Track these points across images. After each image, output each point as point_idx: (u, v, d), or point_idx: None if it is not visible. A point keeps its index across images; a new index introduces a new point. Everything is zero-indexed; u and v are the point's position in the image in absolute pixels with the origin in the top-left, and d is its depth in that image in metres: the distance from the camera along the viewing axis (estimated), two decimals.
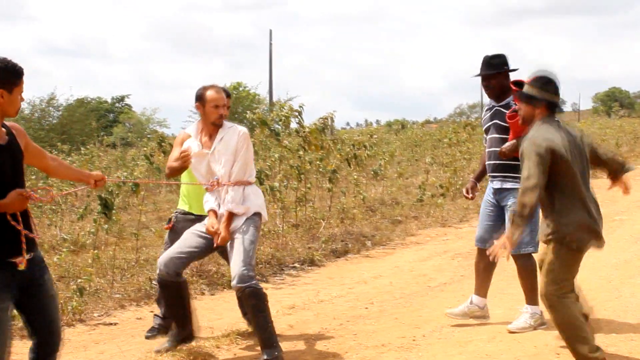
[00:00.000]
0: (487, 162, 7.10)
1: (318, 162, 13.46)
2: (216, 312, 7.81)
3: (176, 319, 6.30)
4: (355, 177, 15.27)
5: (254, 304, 5.90)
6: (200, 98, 6.12)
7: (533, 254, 6.80)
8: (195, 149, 6.13)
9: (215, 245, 6.09)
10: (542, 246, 6.10)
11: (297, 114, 11.24)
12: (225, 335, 6.77)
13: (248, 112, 12.10)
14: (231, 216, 6.02)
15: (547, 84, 5.61)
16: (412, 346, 6.46)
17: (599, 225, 5.54)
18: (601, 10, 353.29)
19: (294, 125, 11.58)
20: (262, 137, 16.25)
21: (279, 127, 11.95)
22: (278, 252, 10.41)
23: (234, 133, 6.10)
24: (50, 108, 40.16)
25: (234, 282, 5.89)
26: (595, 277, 8.72)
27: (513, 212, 5.50)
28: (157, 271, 6.13)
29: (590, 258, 9.65)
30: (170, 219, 7.00)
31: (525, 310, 6.84)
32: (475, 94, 75.77)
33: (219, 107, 6.09)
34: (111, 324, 7.44)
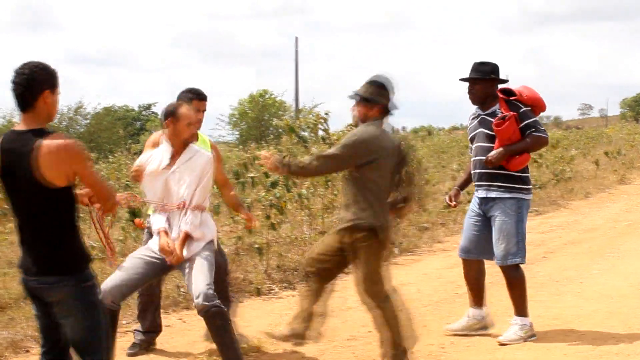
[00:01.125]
0: (472, 171, 6.98)
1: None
2: (244, 320, 7.80)
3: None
4: None
5: (220, 324, 5.64)
6: (172, 114, 5.83)
7: (521, 265, 6.77)
8: (155, 164, 5.88)
9: (168, 264, 5.77)
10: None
11: (323, 120, 11.24)
12: (253, 343, 6.78)
13: (274, 119, 12.09)
14: (186, 238, 5.73)
15: (383, 88, 5.84)
16: (441, 354, 6.45)
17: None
18: (629, 15, 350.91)
19: (321, 132, 11.56)
20: (289, 145, 16.25)
21: (307, 134, 11.95)
22: (305, 259, 10.38)
23: (201, 157, 5.87)
24: (78, 117, 40.56)
25: (198, 300, 5.56)
26: (626, 284, 8.66)
27: (291, 163, 5.80)
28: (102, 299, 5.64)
29: (621, 265, 9.63)
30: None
31: (515, 322, 6.75)
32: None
33: (192, 125, 5.89)
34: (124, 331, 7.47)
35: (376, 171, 5.76)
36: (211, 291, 5.63)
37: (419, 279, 9.59)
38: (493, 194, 6.72)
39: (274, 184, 10.31)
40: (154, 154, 5.97)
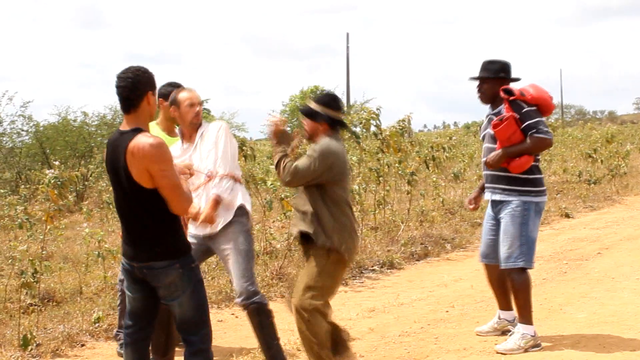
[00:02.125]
0: (482, 172, 6.81)
1: (397, 165, 13.41)
2: None
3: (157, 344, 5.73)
4: (435, 179, 15.18)
5: (259, 320, 5.67)
6: (173, 101, 5.87)
7: (528, 270, 6.48)
8: (177, 151, 5.86)
9: (207, 248, 5.81)
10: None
11: (375, 116, 11.21)
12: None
13: None
14: (217, 203, 5.65)
15: (331, 102, 5.72)
16: (494, 351, 6.39)
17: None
18: None
19: (373, 128, 11.53)
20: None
21: (359, 130, 11.93)
22: (357, 255, 10.39)
23: (213, 127, 5.88)
24: None
25: (239, 299, 5.62)
26: None
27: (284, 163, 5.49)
28: None
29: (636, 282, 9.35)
30: None
31: (517, 330, 6.46)
32: (554, 94, 74.31)
33: (194, 105, 5.83)
34: None
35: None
36: (251, 287, 5.66)
37: (472, 275, 9.51)
38: (497, 197, 6.54)
39: None
40: (173, 147, 5.82)
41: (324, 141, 5.54)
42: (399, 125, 11.86)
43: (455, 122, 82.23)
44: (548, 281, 8.96)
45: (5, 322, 7.45)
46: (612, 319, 7.16)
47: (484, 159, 6.62)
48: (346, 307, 8.11)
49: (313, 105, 5.70)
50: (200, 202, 5.70)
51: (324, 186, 5.46)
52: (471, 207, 7.02)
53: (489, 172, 6.58)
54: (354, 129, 11.96)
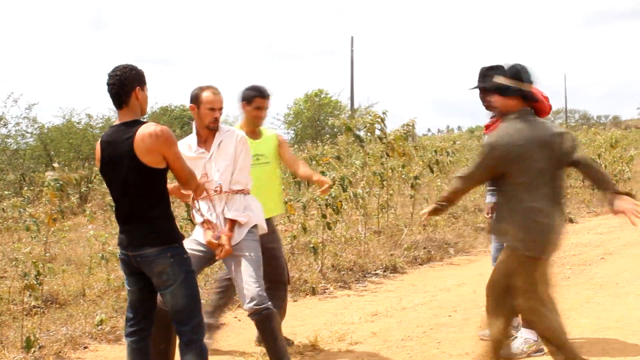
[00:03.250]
0: None
1: (400, 169, 13.40)
2: (299, 319, 7.84)
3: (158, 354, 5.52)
4: (439, 183, 15.17)
5: (272, 327, 5.60)
6: (195, 99, 5.75)
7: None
8: (186, 150, 5.68)
9: (211, 256, 5.70)
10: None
11: (380, 120, 11.20)
12: (308, 342, 6.79)
13: (330, 118, 12.13)
14: (233, 226, 5.64)
15: (521, 73, 5.38)
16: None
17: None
18: None
19: (377, 132, 11.52)
20: (345, 144, 16.28)
21: (363, 133, 11.93)
22: (360, 259, 10.40)
23: (231, 137, 5.75)
24: None
25: (250, 304, 5.50)
26: None
27: None
28: None
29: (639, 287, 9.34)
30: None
31: (521, 334, 6.45)
32: (559, 99, 74.28)
33: (215, 110, 5.70)
34: None
35: None
36: (263, 293, 5.59)
37: (475, 280, 9.50)
38: (494, 199, 6.41)
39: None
40: (184, 144, 5.78)
41: (497, 130, 5.29)
42: (404, 130, 11.85)
43: (459, 126, 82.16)
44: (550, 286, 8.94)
45: (9, 324, 7.45)
46: (616, 324, 7.15)
47: None
48: (349, 310, 8.11)
49: (501, 79, 5.38)
50: (202, 210, 5.60)
51: (500, 179, 5.24)
52: (489, 216, 6.92)
53: None
54: (358, 132, 11.95)
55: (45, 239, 8.25)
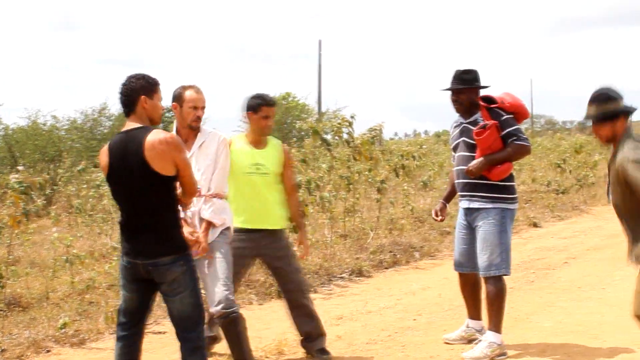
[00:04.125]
0: (455, 181, 6.77)
1: (366, 173, 13.43)
2: (264, 322, 7.84)
3: None
4: (405, 187, 15.22)
5: (238, 331, 5.63)
6: (177, 98, 5.74)
7: (504, 277, 6.50)
8: None
9: (194, 256, 5.46)
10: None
11: (347, 124, 11.22)
12: (273, 346, 6.79)
13: (297, 122, 12.16)
14: (209, 227, 5.65)
15: (615, 94, 5.14)
16: (461, 359, 6.42)
17: None
18: None
19: (345, 135, 11.54)
20: (311, 148, 16.28)
21: (330, 137, 11.95)
22: (326, 262, 10.41)
23: (213, 138, 5.76)
24: (102, 118, 40.63)
25: (218, 307, 5.51)
26: None
27: None
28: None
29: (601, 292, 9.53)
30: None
31: (485, 338, 6.47)
32: (525, 103, 74.74)
33: (197, 109, 5.70)
34: (160, 332, 7.50)
35: None
36: (231, 296, 5.60)
37: (440, 283, 9.56)
38: (476, 204, 6.52)
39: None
40: None
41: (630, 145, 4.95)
42: (370, 134, 11.89)
43: (426, 131, 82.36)
44: (515, 290, 9.01)
45: None
46: (578, 328, 7.22)
47: (461, 167, 6.60)
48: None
49: (602, 107, 5.09)
50: (186, 215, 5.58)
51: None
52: (439, 219, 6.98)
53: (466, 181, 6.56)
54: (325, 136, 11.97)
55: (8, 241, 8.19)
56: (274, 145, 6.46)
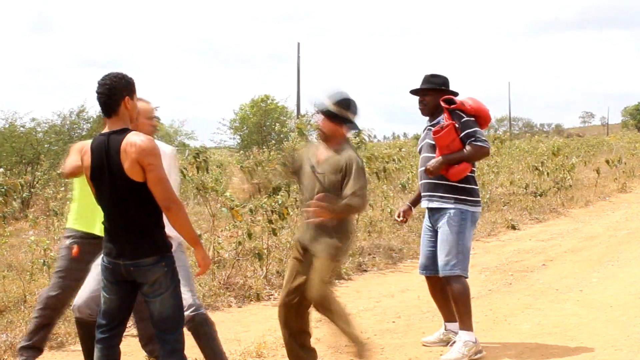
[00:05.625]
0: (419, 182, 6.86)
1: None
2: (243, 325, 7.83)
3: None
4: (384, 189, 15.24)
5: (207, 331, 5.68)
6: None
7: (465, 278, 6.59)
8: None
9: None
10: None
11: None
12: (252, 348, 6.79)
13: (277, 124, 12.18)
14: None
15: (351, 105, 5.89)
16: None
17: None
18: (632, 24, 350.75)
19: None
20: (291, 150, 16.25)
21: (314, 139, 11.95)
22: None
23: (164, 153, 5.52)
24: (80, 120, 40.48)
25: (189, 312, 5.51)
26: (625, 293, 8.66)
27: None
28: (76, 313, 5.64)
29: (621, 273, 9.66)
30: (75, 243, 6.04)
31: (459, 338, 6.51)
32: (502, 107, 75.26)
33: (152, 119, 5.73)
34: (135, 335, 7.46)
35: None
36: (197, 300, 5.68)
37: (419, 286, 9.54)
38: (435, 204, 6.59)
39: (275, 190, 10.32)
40: None
41: (352, 155, 5.75)
42: (356, 138, 11.92)
43: (404, 133, 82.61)
44: (493, 292, 9.06)
45: None
46: (556, 329, 7.26)
47: (421, 168, 6.71)
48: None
49: (333, 107, 5.82)
50: None
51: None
52: (400, 219, 7.04)
53: (426, 181, 6.65)
54: (309, 137, 11.98)
55: None
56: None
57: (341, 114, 5.82)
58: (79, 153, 5.89)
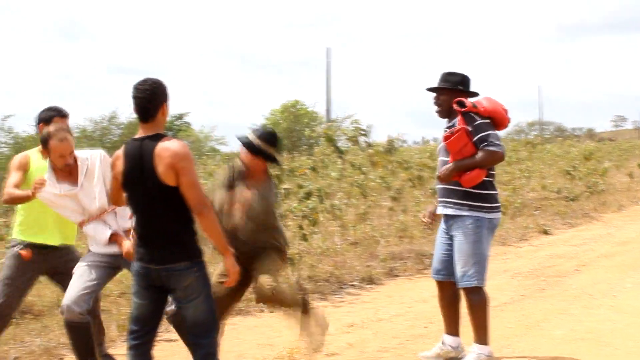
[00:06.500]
0: (436, 187, 6.65)
1: (379, 181, 13.44)
2: (275, 330, 7.83)
3: None
4: (415, 194, 15.22)
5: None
6: (44, 143, 5.71)
7: (483, 288, 6.33)
8: (53, 188, 5.74)
9: (116, 267, 5.93)
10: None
11: (363, 132, 11.26)
12: (285, 353, 6.80)
13: (306, 129, 12.21)
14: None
15: (273, 139, 6.08)
16: None
17: None
18: None
19: (362, 143, 11.57)
20: (321, 155, 16.31)
21: (342, 144, 11.99)
22: (337, 270, 10.41)
23: (94, 160, 5.78)
24: (112, 126, 40.78)
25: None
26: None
27: None
28: (66, 314, 5.64)
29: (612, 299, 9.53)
30: (23, 249, 6.09)
31: (472, 350, 6.33)
32: (533, 111, 74.74)
33: (65, 157, 5.69)
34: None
35: None
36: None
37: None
38: (449, 211, 6.32)
39: (307, 195, 10.35)
40: (47, 178, 5.75)
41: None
42: (388, 145, 11.93)
43: (435, 138, 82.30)
44: (526, 297, 9.01)
45: None
46: (589, 335, 7.21)
47: (437, 172, 6.46)
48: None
49: (256, 140, 6.00)
50: (96, 231, 5.85)
51: None
52: (426, 220, 6.79)
53: (441, 186, 6.40)
54: (338, 143, 12.01)
55: None
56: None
57: (261, 146, 5.99)
58: (21, 170, 5.98)
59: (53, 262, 6.16)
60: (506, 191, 18.15)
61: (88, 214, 5.85)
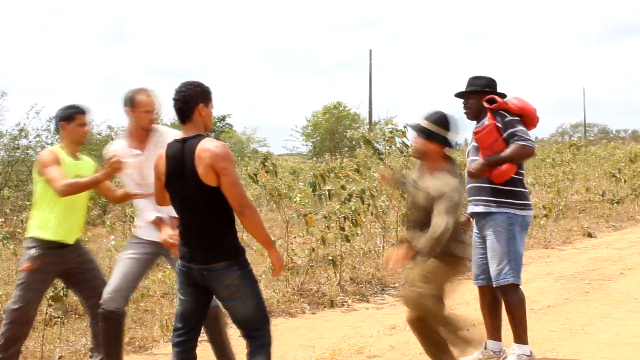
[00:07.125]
0: (465, 188, 6.53)
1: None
2: (317, 331, 7.85)
3: (112, 356, 5.95)
4: None
5: (217, 325, 5.91)
6: (130, 102, 5.83)
7: (520, 287, 6.28)
8: (128, 157, 5.81)
9: (155, 257, 6.02)
10: None
11: (400, 133, 11.22)
12: (327, 354, 6.80)
13: (348, 131, 12.18)
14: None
15: (444, 122, 5.81)
16: None
17: None
18: None
19: (397, 144, 11.53)
20: (364, 157, 16.28)
21: (381, 147, 11.95)
22: (379, 272, 10.40)
23: (168, 137, 5.62)
24: None
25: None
26: None
27: None
28: (104, 306, 5.71)
29: None
30: (38, 254, 5.99)
31: (512, 351, 6.29)
32: (577, 113, 74.18)
33: (150, 112, 5.86)
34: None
35: None
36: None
37: None
38: (480, 209, 6.31)
39: (349, 197, 10.35)
40: (116, 148, 5.91)
41: (445, 187, 5.58)
42: None
43: (465, 140, 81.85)
44: (570, 301, 8.93)
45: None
46: (635, 339, 7.13)
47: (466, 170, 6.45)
48: (367, 324, 8.12)
49: (426, 123, 5.77)
50: (146, 208, 5.87)
51: None
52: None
53: (472, 184, 6.38)
54: (377, 145, 11.97)
55: None
56: (86, 162, 6.32)
57: (433, 129, 5.74)
58: (57, 164, 5.97)
59: (68, 262, 6.11)
60: (550, 193, 18.02)
61: (145, 187, 5.84)
